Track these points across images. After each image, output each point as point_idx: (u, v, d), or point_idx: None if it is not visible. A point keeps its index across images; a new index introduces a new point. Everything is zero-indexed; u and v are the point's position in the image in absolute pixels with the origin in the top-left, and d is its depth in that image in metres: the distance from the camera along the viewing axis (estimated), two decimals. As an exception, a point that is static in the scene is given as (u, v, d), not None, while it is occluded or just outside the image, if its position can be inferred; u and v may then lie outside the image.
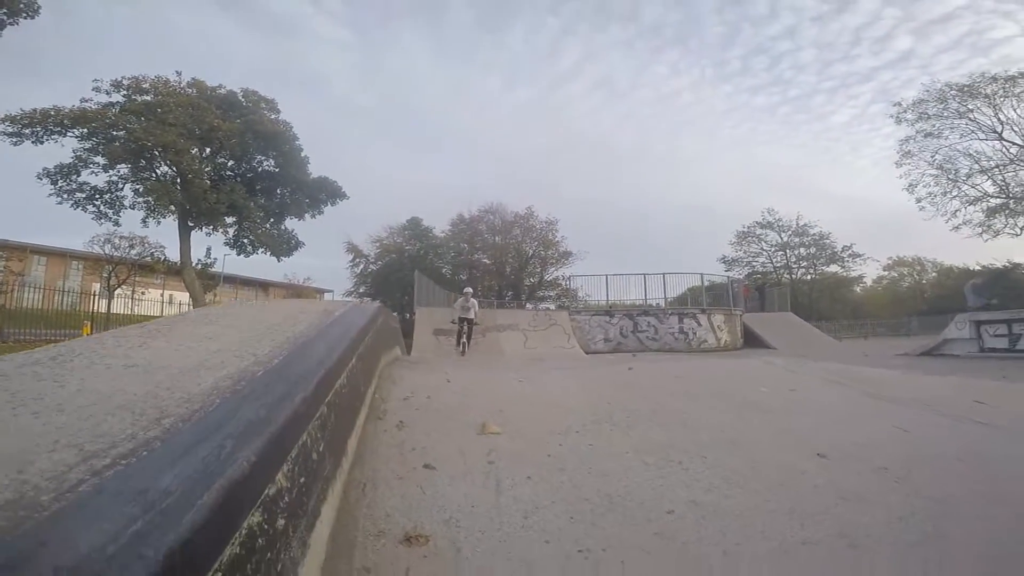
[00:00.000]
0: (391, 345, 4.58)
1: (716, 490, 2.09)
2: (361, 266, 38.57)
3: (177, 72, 26.19)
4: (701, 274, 22.29)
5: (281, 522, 1.06)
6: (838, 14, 68.87)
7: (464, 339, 12.54)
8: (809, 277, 43.06)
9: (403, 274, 29.44)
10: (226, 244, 28.62)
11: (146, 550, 0.64)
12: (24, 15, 19.23)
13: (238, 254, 28.88)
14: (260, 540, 0.94)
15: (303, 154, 28.88)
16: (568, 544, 1.67)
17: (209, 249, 28.75)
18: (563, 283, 35.35)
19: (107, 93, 23.95)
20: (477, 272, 39.34)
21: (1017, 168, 29.98)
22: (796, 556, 1.66)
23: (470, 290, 13.70)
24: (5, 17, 18.82)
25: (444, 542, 1.60)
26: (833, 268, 42.84)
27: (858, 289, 46.53)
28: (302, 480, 1.25)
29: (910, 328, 33.21)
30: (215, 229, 27.61)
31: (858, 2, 66.33)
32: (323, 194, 30.13)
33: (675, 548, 1.68)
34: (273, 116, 27.91)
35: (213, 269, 29.06)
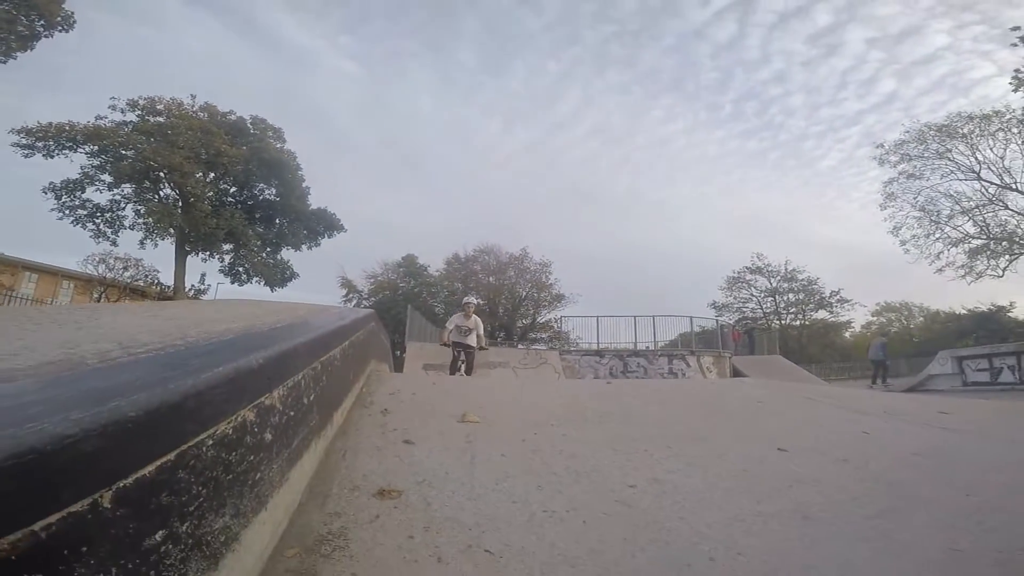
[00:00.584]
0: (381, 356, 4.68)
1: (678, 472, 2.20)
2: (354, 302, 38.61)
3: (192, 95, 26.92)
4: (691, 317, 22.66)
5: (269, 436, 1.19)
6: (826, 58, 72.35)
7: (461, 372, 8.76)
8: (798, 323, 43.47)
9: (396, 311, 29.50)
10: (221, 271, 28.69)
11: (170, 384, 0.78)
12: (60, 28, 19.88)
13: (232, 282, 28.90)
14: (249, 438, 1.07)
15: (304, 184, 29.41)
16: (535, 506, 1.77)
17: (204, 275, 28.77)
18: (555, 325, 35.54)
19: (122, 112, 24.57)
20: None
21: (996, 208, 30.43)
22: (750, 525, 1.76)
23: (473, 301, 9.44)
24: (42, 29, 19.43)
25: (415, 497, 1.71)
26: (822, 314, 43.40)
27: (848, 335, 47.01)
28: (292, 414, 1.38)
29: (899, 370, 33.27)
30: (211, 255, 27.73)
31: (844, 45, 69.74)
32: (321, 226, 30.50)
33: (634, 513, 1.79)
34: (279, 145, 28.53)
35: (206, 297, 29.02)
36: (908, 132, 32.11)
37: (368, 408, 2.69)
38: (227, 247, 27.95)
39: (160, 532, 0.72)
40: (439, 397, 3.27)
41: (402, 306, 25.62)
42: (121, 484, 0.65)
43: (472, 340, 8.90)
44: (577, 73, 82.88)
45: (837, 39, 69.24)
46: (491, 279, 40.07)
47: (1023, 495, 2.17)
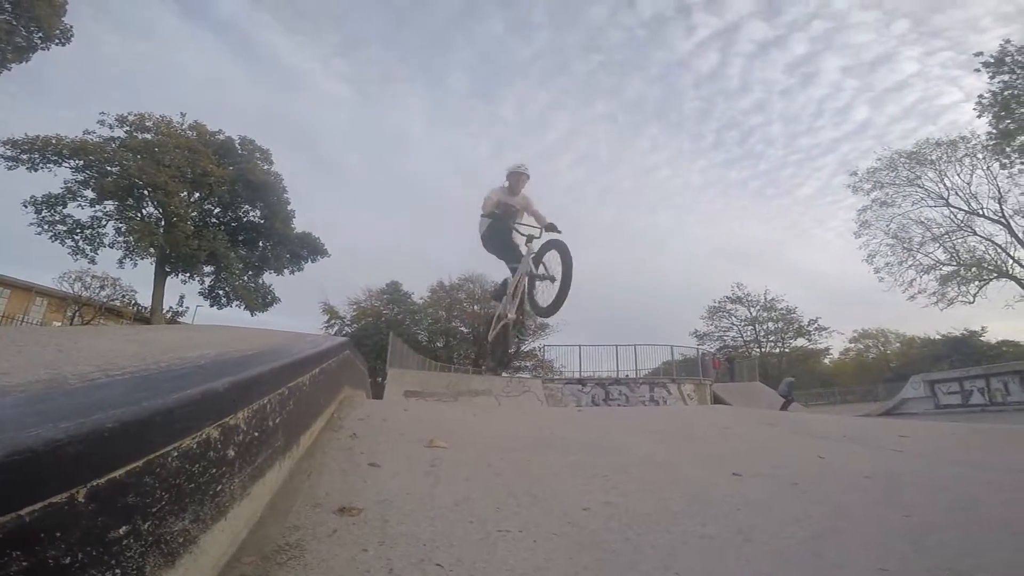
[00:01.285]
0: (356, 383, 4.74)
1: (632, 495, 2.31)
2: (336, 328, 38.26)
3: (181, 113, 27.04)
4: (671, 346, 23.05)
5: (232, 453, 1.30)
6: (803, 86, 75.49)
7: (510, 308, 5.53)
8: (777, 350, 44.16)
9: (379, 338, 29.34)
10: (200, 294, 28.35)
11: (143, 403, 0.90)
12: (57, 41, 19.88)
13: (212, 305, 28.55)
14: (212, 453, 1.18)
15: (289, 207, 29.42)
16: (490, 525, 1.87)
17: (182, 297, 28.37)
18: (539, 354, 35.66)
19: (110, 127, 24.51)
20: (454, 340, 39.53)
21: (965, 234, 31.10)
22: (692, 545, 1.84)
23: (526, 172, 5.53)
24: (39, 41, 19.40)
25: (374, 515, 1.80)
26: (800, 342, 44.23)
27: (827, 361, 47.84)
28: (256, 434, 1.48)
29: (877, 395, 33.63)
30: (191, 277, 27.41)
31: (821, 74, 73.02)
32: (305, 250, 30.42)
33: (583, 534, 1.88)
34: (266, 166, 28.56)
35: (183, 319, 28.54)
36: (880, 159, 33.17)
37: (337, 432, 2.77)
38: (208, 269, 27.68)
39: (124, 527, 0.82)
40: (410, 423, 3.35)
41: (384, 333, 25.51)
42: (95, 483, 0.77)
43: (522, 238, 5.26)
44: (566, 102, 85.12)
45: (814, 67, 72.39)
46: (476, 307, 40.10)
47: (960, 514, 2.26)
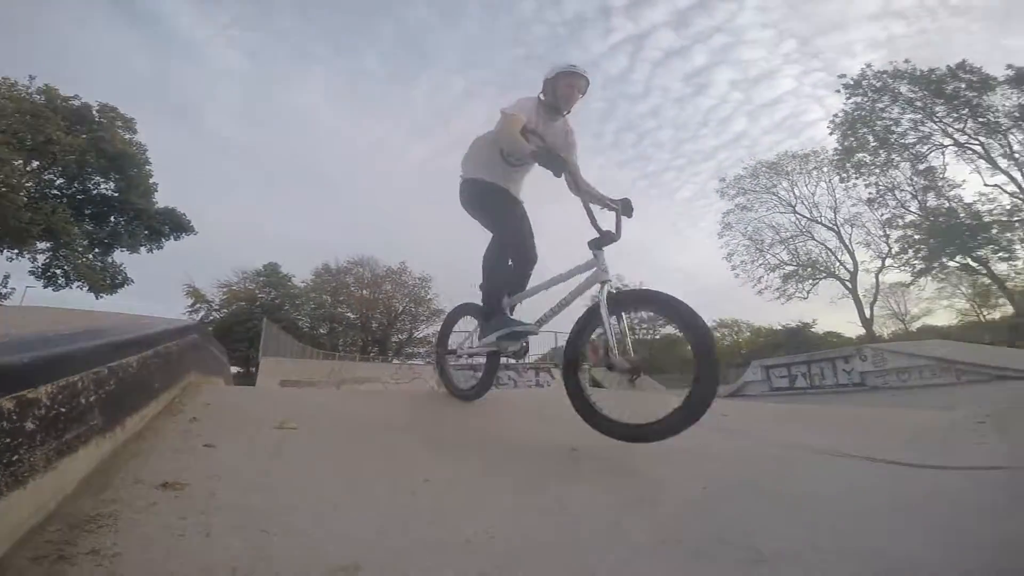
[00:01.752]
0: (210, 369, 4.50)
1: (476, 470, 2.50)
2: (202, 312, 34.86)
3: (30, 76, 23.27)
4: (555, 332, 24.31)
5: (31, 426, 1.31)
6: (694, 97, 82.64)
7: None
8: (649, 337, 48.49)
9: (252, 324, 27.18)
10: (32, 273, 24.33)
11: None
12: None
13: (46, 286, 24.66)
14: (5, 423, 1.20)
15: (151, 180, 26.29)
16: (327, 497, 1.93)
17: (7, 277, 24.11)
18: (432, 340, 35.55)
19: None
20: (339, 326, 37.94)
21: (805, 239, 36.85)
22: (513, 515, 1.99)
23: (584, 73, 3.17)
24: None
25: (201, 489, 1.81)
26: (669, 329, 48.88)
27: (689, 348, 53.34)
28: (63, 410, 1.48)
29: (728, 378, 38.24)
30: (20, 254, 23.46)
31: (712, 86, 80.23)
32: (167, 226, 27.38)
33: (419, 502, 2.01)
34: (128, 136, 25.43)
35: (7, 302, 24.26)
36: (746, 168, 38.00)
37: (176, 416, 2.68)
38: (43, 245, 23.91)
39: None
40: (263, 407, 3.29)
41: (259, 319, 23.80)
42: None
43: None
44: (483, 92, 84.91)
45: (707, 79, 79.35)
46: (365, 292, 38.84)
47: (752, 487, 2.52)
